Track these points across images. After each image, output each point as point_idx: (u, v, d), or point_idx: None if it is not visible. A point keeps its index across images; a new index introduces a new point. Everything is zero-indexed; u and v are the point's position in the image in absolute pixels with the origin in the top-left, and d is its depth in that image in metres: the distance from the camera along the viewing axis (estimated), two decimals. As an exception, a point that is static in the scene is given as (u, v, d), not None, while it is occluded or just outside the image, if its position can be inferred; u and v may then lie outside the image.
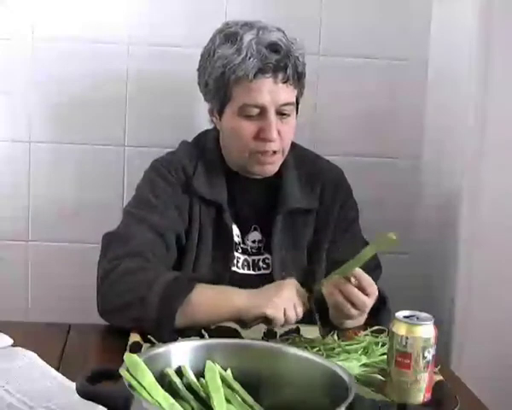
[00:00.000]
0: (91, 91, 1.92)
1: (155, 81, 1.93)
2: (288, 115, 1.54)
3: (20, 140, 1.93)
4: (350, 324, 1.44)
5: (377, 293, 1.40)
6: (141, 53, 1.92)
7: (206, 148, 1.63)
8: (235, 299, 1.38)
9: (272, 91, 1.50)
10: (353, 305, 1.37)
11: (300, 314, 1.38)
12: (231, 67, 1.49)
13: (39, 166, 1.95)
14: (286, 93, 1.52)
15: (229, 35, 1.52)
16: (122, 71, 1.93)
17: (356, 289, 1.36)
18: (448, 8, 1.91)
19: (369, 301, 1.38)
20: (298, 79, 1.54)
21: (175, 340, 1.25)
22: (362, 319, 1.45)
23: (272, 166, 1.58)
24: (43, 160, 1.95)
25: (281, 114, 1.53)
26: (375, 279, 1.41)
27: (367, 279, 1.37)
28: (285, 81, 1.50)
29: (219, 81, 1.52)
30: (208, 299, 1.39)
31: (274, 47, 1.49)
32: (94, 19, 1.90)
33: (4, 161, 1.94)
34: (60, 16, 1.89)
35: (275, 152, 1.54)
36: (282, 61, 1.49)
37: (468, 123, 1.75)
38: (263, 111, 1.51)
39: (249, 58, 1.47)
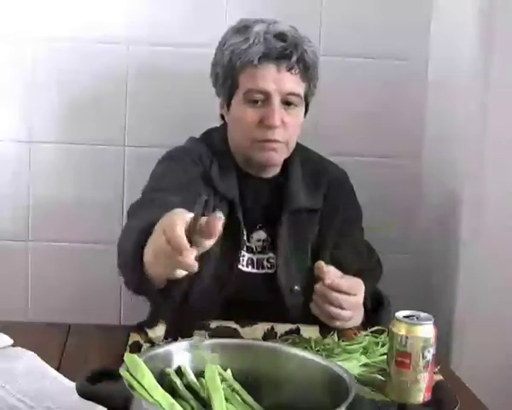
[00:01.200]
0: (91, 91, 1.92)
1: (155, 81, 1.93)
2: (295, 106, 1.53)
3: (20, 140, 1.93)
4: (348, 323, 1.43)
5: (363, 288, 1.40)
6: (141, 53, 1.92)
7: (216, 149, 1.61)
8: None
9: (277, 79, 1.50)
10: (332, 304, 1.37)
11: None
12: (238, 53, 1.50)
13: (39, 166, 1.95)
14: (291, 82, 1.51)
15: (240, 28, 1.54)
16: (122, 71, 1.93)
17: (327, 290, 1.36)
18: (448, 7, 1.91)
19: (353, 299, 1.39)
20: (304, 70, 1.53)
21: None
22: (358, 318, 1.45)
23: (276, 154, 1.55)
24: (43, 160, 1.95)
25: (287, 103, 1.52)
26: (370, 278, 1.41)
27: (344, 284, 1.38)
28: (289, 69, 1.50)
29: (227, 69, 1.53)
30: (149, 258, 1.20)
31: (281, 36, 1.51)
32: (94, 19, 1.90)
33: (4, 161, 1.94)
34: (60, 16, 1.89)
35: (277, 141, 1.53)
36: (287, 48, 1.50)
37: (468, 123, 1.75)
38: (267, 98, 1.51)
39: (256, 44, 1.49)
